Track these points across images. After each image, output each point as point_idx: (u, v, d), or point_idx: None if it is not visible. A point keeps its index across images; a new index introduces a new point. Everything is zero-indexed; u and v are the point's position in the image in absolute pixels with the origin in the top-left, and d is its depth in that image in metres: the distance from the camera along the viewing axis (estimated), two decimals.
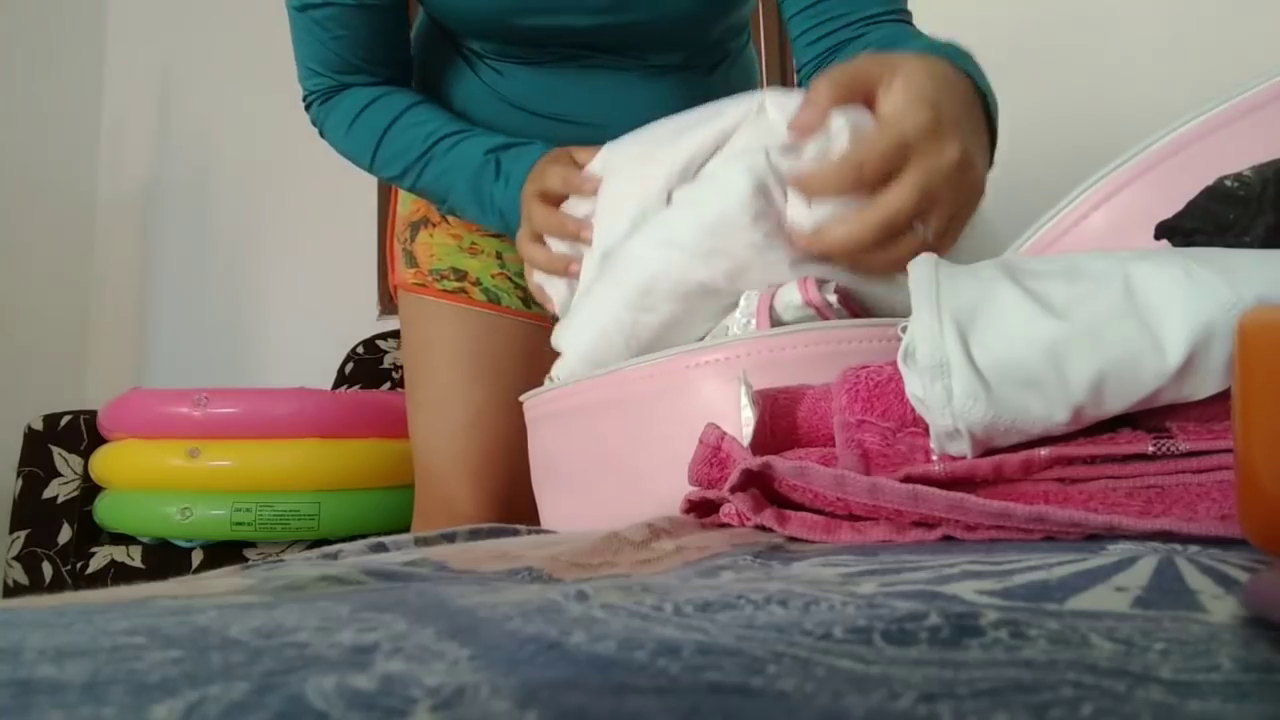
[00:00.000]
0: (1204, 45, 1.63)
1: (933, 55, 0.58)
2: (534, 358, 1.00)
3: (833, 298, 0.59)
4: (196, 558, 1.74)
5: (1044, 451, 0.41)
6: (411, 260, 1.01)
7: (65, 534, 1.84)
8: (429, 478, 1.00)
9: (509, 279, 1.01)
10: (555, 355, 1.02)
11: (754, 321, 0.59)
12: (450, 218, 1.00)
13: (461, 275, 1.00)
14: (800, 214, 0.57)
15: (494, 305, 1.00)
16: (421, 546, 0.46)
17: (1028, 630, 0.21)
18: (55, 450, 1.88)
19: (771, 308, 0.59)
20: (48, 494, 1.86)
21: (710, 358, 0.57)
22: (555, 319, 1.03)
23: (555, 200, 0.75)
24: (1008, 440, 0.41)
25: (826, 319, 0.59)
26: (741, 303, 0.61)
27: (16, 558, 1.83)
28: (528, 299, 1.00)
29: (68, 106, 2.80)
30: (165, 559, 1.75)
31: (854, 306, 0.61)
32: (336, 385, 2.28)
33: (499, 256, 1.01)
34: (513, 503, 0.98)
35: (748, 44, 1.06)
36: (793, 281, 0.60)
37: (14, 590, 1.82)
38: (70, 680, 0.18)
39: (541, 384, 1.00)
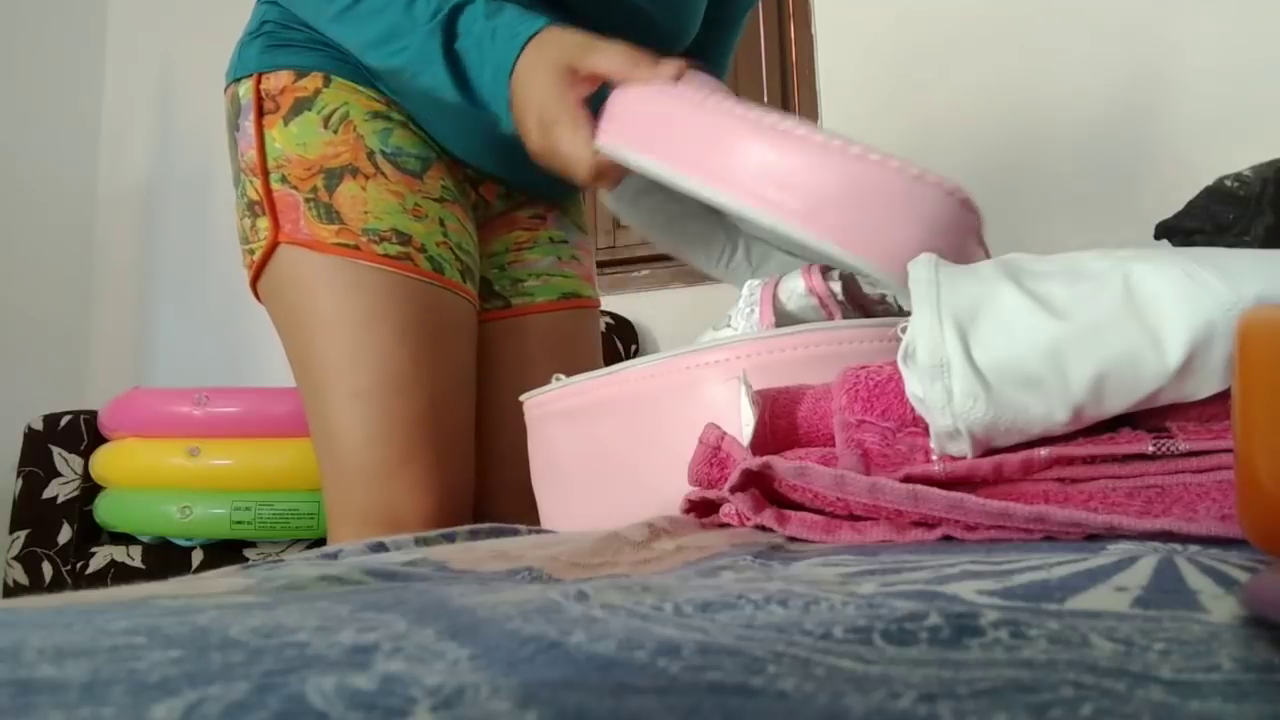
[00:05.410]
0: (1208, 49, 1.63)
1: None
2: (474, 338, 0.91)
3: (836, 286, 0.59)
4: (196, 557, 1.74)
5: (1044, 451, 0.41)
6: (331, 215, 0.84)
7: (65, 534, 1.84)
8: (361, 481, 0.83)
9: (450, 249, 0.87)
10: (489, 337, 0.96)
11: (757, 310, 0.59)
12: (387, 169, 0.86)
13: (405, 239, 0.84)
14: None
15: (438, 275, 0.86)
16: (421, 546, 0.47)
17: (1028, 630, 0.21)
18: (55, 450, 1.88)
19: (775, 295, 0.59)
20: (48, 494, 1.86)
21: (712, 358, 0.57)
22: (508, 300, 0.98)
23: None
24: (1008, 440, 0.41)
25: (829, 309, 0.59)
26: (745, 292, 0.61)
27: (16, 558, 1.83)
28: (466, 272, 0.89)
29: (68, 106, 2.79)
30: (165, 559, 1.75)
31: (860, 301, 0.61)
32: None
33: (442, 223, 0.87)
34: (464, 509, 0.87)
35: None
36: (797, 270, 0.60)
37: (14, 590, 1.82)
38: (70, 680, 0.18)
39: (480, 367, 0.94)
